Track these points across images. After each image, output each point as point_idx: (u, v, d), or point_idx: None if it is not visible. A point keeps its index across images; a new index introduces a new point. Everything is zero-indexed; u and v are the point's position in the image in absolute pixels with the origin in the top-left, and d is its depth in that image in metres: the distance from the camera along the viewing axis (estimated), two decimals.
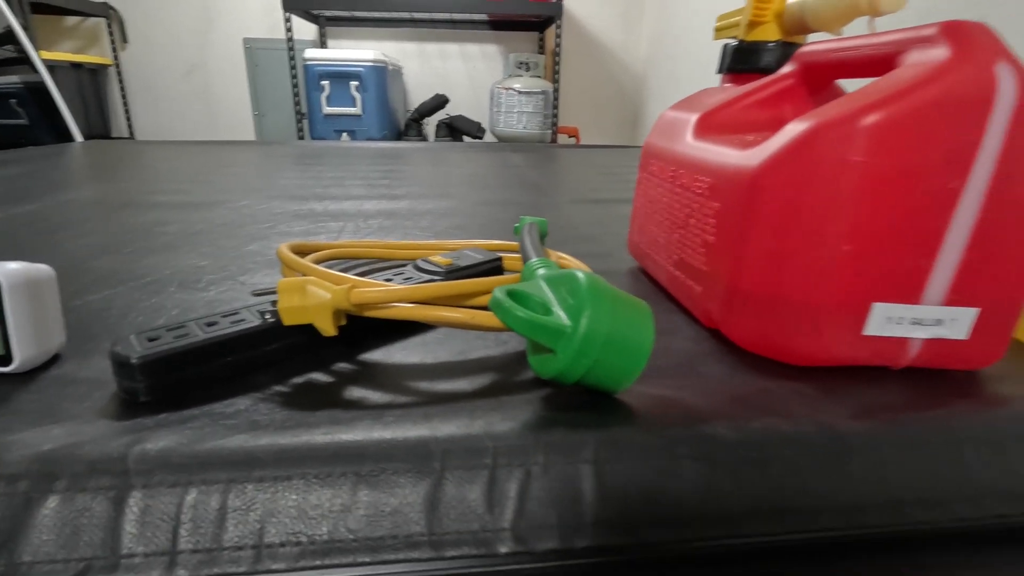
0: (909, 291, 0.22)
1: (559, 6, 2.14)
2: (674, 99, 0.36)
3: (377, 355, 0.25)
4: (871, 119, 0.20)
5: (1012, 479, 0.19)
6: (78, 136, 1.31)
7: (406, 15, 2.39)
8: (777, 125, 0.24)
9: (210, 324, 0.23)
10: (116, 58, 2.48)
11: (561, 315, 0.20)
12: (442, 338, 0.27)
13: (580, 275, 0.20)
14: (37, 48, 1.52)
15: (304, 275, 0.26)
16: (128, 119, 2.57)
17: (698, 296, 0.27)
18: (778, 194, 0.22)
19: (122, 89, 2.53)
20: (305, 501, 0.16)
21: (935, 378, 0.23)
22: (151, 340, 0.21)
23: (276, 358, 0.24)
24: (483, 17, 2.41)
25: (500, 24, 2.51)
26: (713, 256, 0.26)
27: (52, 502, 0.15)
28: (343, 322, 0.24)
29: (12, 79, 1.82)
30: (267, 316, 0.24)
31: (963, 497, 0.18)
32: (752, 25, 0.34)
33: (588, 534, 0.16)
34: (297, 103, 2.31)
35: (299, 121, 2.34)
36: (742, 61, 0.35)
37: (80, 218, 0.50)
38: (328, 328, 0.23)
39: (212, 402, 0.20)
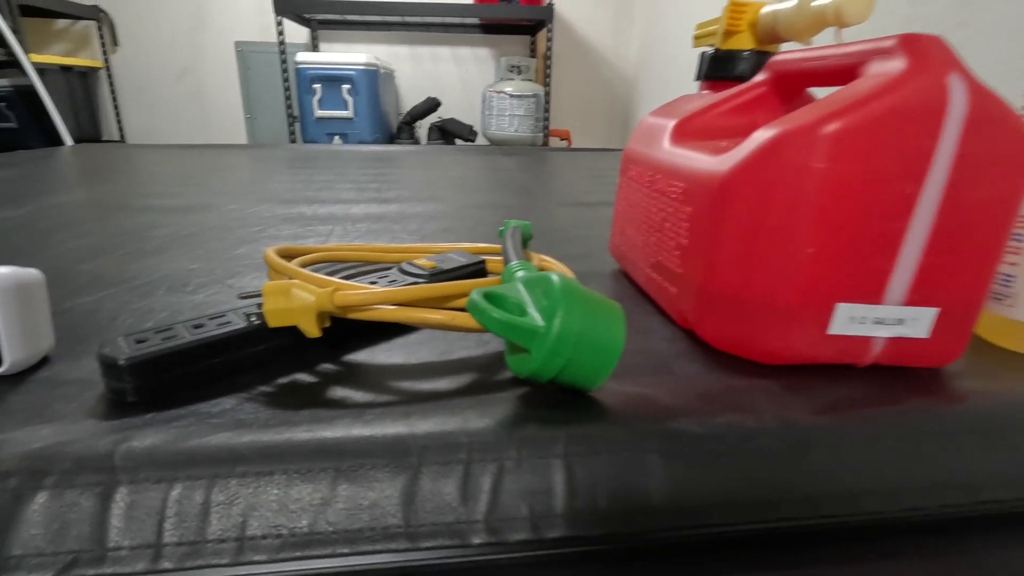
0: (871, 292, 0.23)
1: (550, 10, 2.15)
2: (664, 102, 0.37)
3: (361, 356, 0.26)
4: (831, 128, 0.21)
5: (964, 471, 0.20)
6: (68, 140, 1.31)
7: (398, 19, 2.40)
8: (750, 131, 0.24)
9: (197, 326, 0.24)
10: (107, 61, 2.47)
11: (536, 316, 0.20)
12: (425, 339, 0.27)
13: (554, 277, 0.21)
14: (26, 51, 1.52)
15: (289, 278, 0.27)
16: (119, 122, 2.56)
17: (673, 297, 0.28)
18: (745, 199, 0.23)
19: (113, 92, 2.52)
20: (286, 495, 0.17)
21: (898, 375, 0.24)
22: (139, 342, 0.22)
23: (262, 359, 0.25)
24: (475, 21, 2.42)
25: (492, 28, 2.52)
26: (687, 259, 0.27)
27: (41, 498, 0.16)
28: (327, 324, 0.24)
29: (1, 82, 1.82)
30: (253, 318, 0.24)
31: (916, 488, 0.19)
32: (728, 34, 0.35)
33: (558, 525, 0.17)
34: (289, 106, 2.31)
35: (291, 124, 2.34)
36: (718, 69, 0.36)
37: (70, 222, 0.50)
38: (312, 330, 0.23)
39: (198, 402, 0.21)
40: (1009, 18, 0.79)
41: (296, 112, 2.27)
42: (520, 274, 0.25)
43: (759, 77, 0.32)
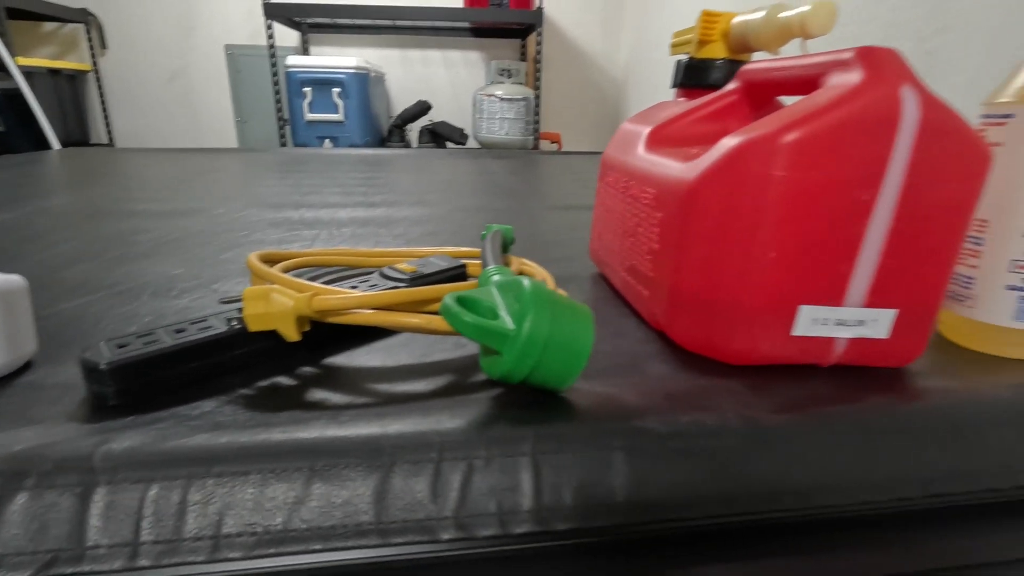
0: (832, 294, 0.24)
1: (539, 14, 2.17)
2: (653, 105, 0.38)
3: (341, 359, 0.26)
4: (791, 137, 0.22)
5: (916, 466, 0.21)
6: (55, 143, 1.31)
7: (388, 22, 2.40)
8: (721, 139, 0.25)
9: (179, 331, 0.24)
10: (95, 64, 2.46)
11: (507, 320, 0.21)
12: (404, 343, 0.28)
13: (525, 282, 0.22)
14: (13, 54, 1.51)
15: (270, 283, 0.27)
16: (108, 126, 2.55)
17: (646, 300, 0.29)
18: (711, 205, 0.24)
19: (101, 95, 2.51)
20: (261, 494, 0.17)
21: (860, 375, 0.25)
22: (120, 347, 0.22)
23: (243, 363, 0.25)
24: (465, 24, 2.43)
25: (482, 31, 2.53)
26: (658, 262, 0.27)
27: (21, 499, 0.16)
28: (307, 328, 0.25)
29: None
30: (234, 323, 0.25)
31: (869, 483, 0.20)
32: (701, 43, 0.36)
33: (525, 521, 0.18)
34: (279, 110, 2.31)
35: (281, 128, 2.34)
36: (692, 77, 0.37)
37: (55, 227, 0.50)
38: (291, 334, 0.24)
39: (179, 405, 0.21)
40: (985, 25, 0.81)
41: (286, 115, 2.27)
42: (495, 278, 0.26)
43: (731, 86, 0.33)
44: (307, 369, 0.25)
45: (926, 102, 0.22)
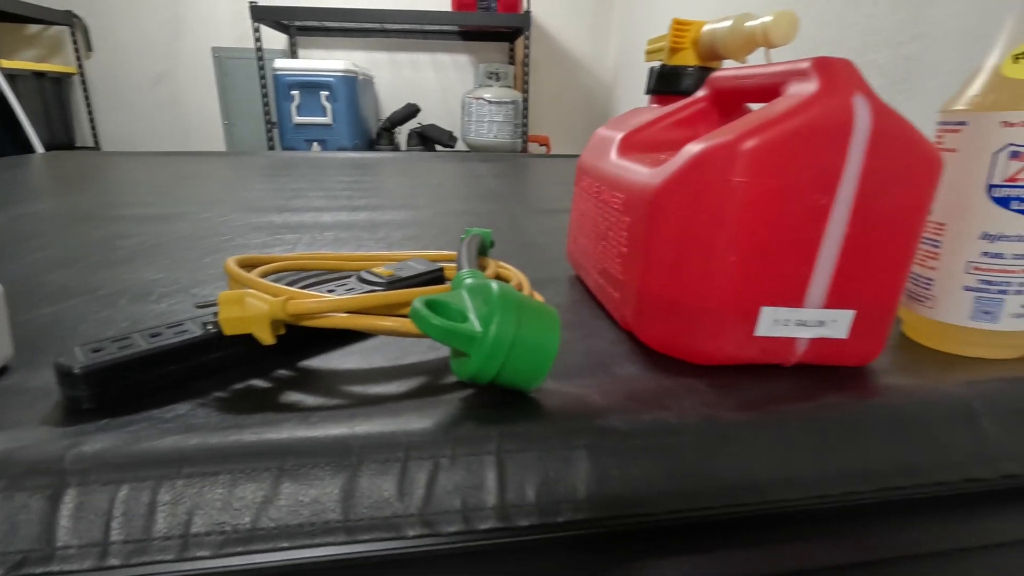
0: (792, 296, 0.25)
1: (527, 17, 2.18)
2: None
3: (316, 362, 0.27)
4: (749, 144, 0.23)
5: (868, 461, 0.21)
6: (38, 147, 1.30)
7: (377, 26, 2.41)
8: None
9: (154, 335, 0.24)
10: (81, 67, 2.44)
11: (475, 322, 0.22)
12: (380, 345, 0.28)
13: (493, 285, 0.22)
14: None
15: (247, 287, 0.27)
16: (93, 129, 2.53)
17: (616, 302, 0.30)
18: (674, 210, 0.25)
19: (87, 98, 2.48)
20: (231, 494, 0.18)
21: (822, 374, 0.26)
22: (95, 351, 0.23)
23: (219, 366, 0.26)
24: (453, 28, 2.44)
25: (470, 34, 2.54)
26: (627, 265, 0.28)
27: None
28: (282, 331, 0.25)
29: None
30: (209, 327, 0.25)
31: (822, 478, 0.21)
32: (673, 50, 0.37)
33: (489, 517, 0.18)
34: (267, 113, 2.30)
35: (269, 131, 2.33)
36: (664, 84, 0.38)
37: (35, 232, 0.50)
38: (266, 337, 0.24)
39: (153, 408, 0.22)
40: (959, 31, 0.83)
41: (274, 118, 2.27)
42: (467, 282, 0.26)
43: (700, 93, 0.34)
44: (283, 372, 0.25)
45: (878, 110, 0.23)
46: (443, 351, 0.28)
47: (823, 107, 0.23)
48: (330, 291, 0.30)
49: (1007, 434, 0.23)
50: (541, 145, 2.54)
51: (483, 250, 0.38)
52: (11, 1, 2.02)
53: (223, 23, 2.46)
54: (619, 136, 0.34)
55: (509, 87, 2.36)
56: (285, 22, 2.35)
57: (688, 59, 0.37)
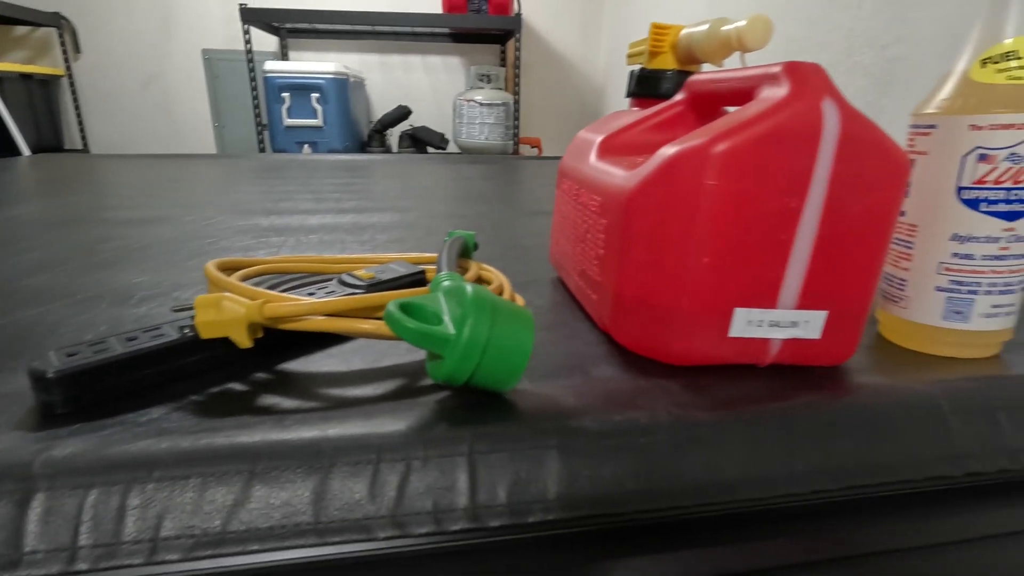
0: (765, 297, 0.25)
1: (518, 20, 2.19)
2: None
3: (295, 364, 0.27)
4: (721, 147, 0.23)
5: (835, 459, 0.22)
6: (25, 150, 1.29)
7: (368, 28, 2.40)
8: None
9: (130, 339, 0.24)
10: (69, 69, 2.42)
11: (449, 324, 0.22)
12: (359, 348, 0.28)
13: (468, 288, 0.23)
14: None
15: (226, 291, 0.28)
16: (82, 131, 2.51)
17: (595, 303, 0.30)
18: (648, 213, 0.25)
19: (75, 100, 2.47)
20: (201, 497, 0.18)
21: (795, 374, 0.26)
22: (70, 355, 0.23)
23: (196, 370, 0.26)
24: (444, 30, 2.44)
25: (461, 37, 2.54)
26: (604, 267, 0.28)
27: None
28: (259, 335, 0.25)
29: None
30: (186, 330, 0.25)
31: (790, 476, 0.21)
32: (652, 55, 0.37)
33: (460, 518, 0.19)
34: (258, 115, 2.29)
35: (260, 133, 2.32)
36: (643, 87, 0.38)
37: (17, 236, 0.50)
38: (243, 340, 0.24)
39: (128, 412, 0.22)
40: (941, 33, 0.84)
41: (265, 121, 2.26)
42: (445, 284, 0.26)
43: (678, 96, 0.34)
44: (261, 375, 0.26)
45: (846, 114, 0.23)
46: (421, 353, 0.28)
47: (793, 111, 0.23)
48: (310, 294, 0.30)
49: (972, 433, 0.23)
50: (533, 147, 2.55)
51: (466, 252, 0.39)
52: None
53: (213, 25, 2.45)
54: (599, 139, 0.34)
55: (500, 89, 2.36)
56: (276, 24, 2.34)
57: (667, 63, 0.37)
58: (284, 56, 2.51)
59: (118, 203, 0.68)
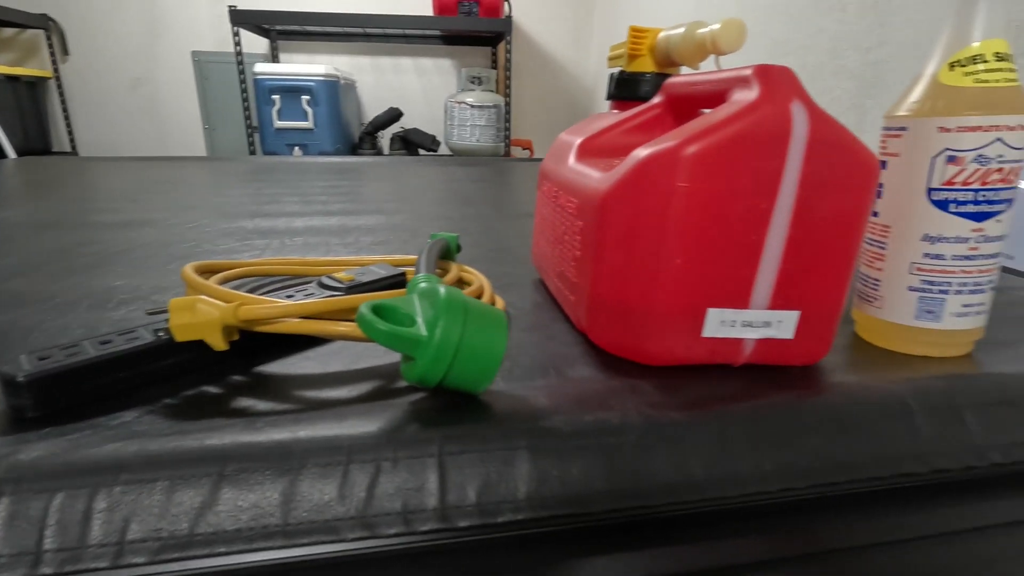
0: (738, 297, 0.25)
1: (509, 22, 2.19)
2: None
3: (272, 367, 0.27)
4: (692, 149, 0.23)
5: (804, 457, 0.22)
6: (11, 152, 1.28)
7: (359, 30, 2.40)
8: None
9: (104, 342, 0.24)
10: (56, 71, 2.40)
11: (421, 326, 0.22)
12: (338, 350, 0.28)
13: (441, 290, 0.23)
14: None
15: (201, 294, 0.27)
16: (71, 134, 2.49)
17: (572, 304, 0.30)
18: (621, 215, 0.25)
19: (63, 103, 2.45)
20: (168, 500, 0.18)
21: (768, 373, 0.26)
22: (41, 359, 0.23)
23: (171, 373, 0.25)
24: (435, 32, 2.44)
25: (452, 39, 2.54)
26: (580, 269, 0.29)
27: None
28: (235, 337, 0.25)
29: None
30: (160, 333, 0.25)
31: (759, 475, 0.21)
32: (631, 57, 0.37)
33: (430, 519, 0.19)
34: (248, 117, 2.29)
35: (250, 135, 2.32)
36: (623, 90, 0.38)
37: None
38: (218, 343, 0.24)
39: (100, 415, 0.21)
40: (923, 37, 0.85)
41: (255, 123, 2.25)
42: (421, 286, 0.27)
43: (656, 99, 0.34)
44: (237, 377, 0.25)
45: (815, 117, 0.23)
46: (399, 356, 0.28)
47: (762, 114, 0.23)
48: (289, 296, 0.30)
49: (940, 430, 0.23)
50: (524, 149, 2.55)
51: (448, 255, 0.39)
52: None
53: (202, 27, 2.44)
54: (578, 141, 0.34)
55: (491, 91, 2.37)
56: (266, 26, 2.33)
57: (646, 66, 0.38)
58: (274, 58, 2.50)
59: (103, 206, 0.67)
